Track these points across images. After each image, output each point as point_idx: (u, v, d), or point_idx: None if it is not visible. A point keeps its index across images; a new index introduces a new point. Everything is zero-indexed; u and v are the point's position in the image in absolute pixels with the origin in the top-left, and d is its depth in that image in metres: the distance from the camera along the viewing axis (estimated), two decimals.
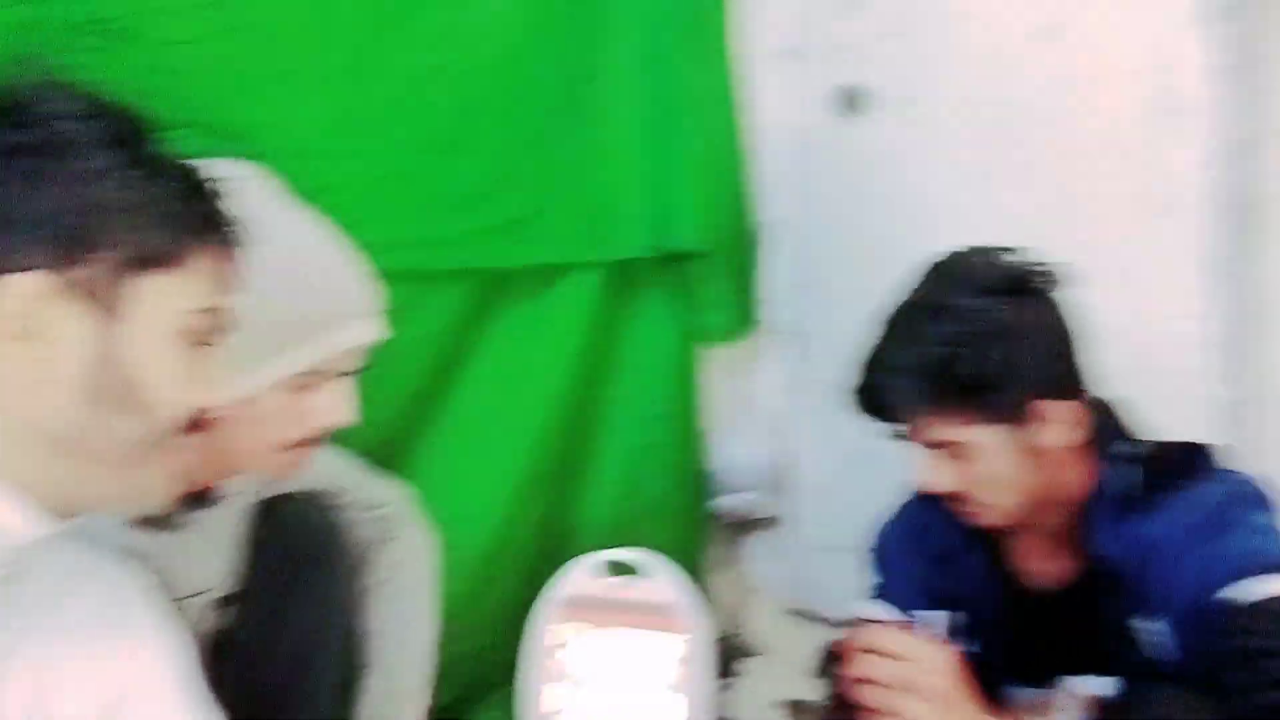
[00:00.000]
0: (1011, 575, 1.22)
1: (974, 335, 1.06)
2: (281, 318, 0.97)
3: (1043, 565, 1.20)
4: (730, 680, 2.00)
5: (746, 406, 2.10)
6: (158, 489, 0.74)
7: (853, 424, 1.96)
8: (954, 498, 1.14)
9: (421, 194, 1.57)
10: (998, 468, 1.10)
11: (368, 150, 1.52)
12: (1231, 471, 1.12)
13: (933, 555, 1.28)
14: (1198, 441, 1.18)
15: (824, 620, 2.03)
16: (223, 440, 1.01)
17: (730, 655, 2.08)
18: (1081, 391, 1.12)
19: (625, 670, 1.65)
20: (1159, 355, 1.71)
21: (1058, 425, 1.09)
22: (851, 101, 1.94)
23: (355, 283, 1.05)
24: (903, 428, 1.15)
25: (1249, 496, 1.07)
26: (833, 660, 0.93)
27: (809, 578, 2.06)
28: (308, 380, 1.00)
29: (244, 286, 0.79)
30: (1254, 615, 0.98)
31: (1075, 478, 1.13)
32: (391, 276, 1.50)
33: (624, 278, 1.88)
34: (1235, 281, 1.69)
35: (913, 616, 1.24)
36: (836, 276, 2.00)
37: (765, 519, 2.12)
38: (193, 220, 0.74)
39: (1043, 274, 1.12)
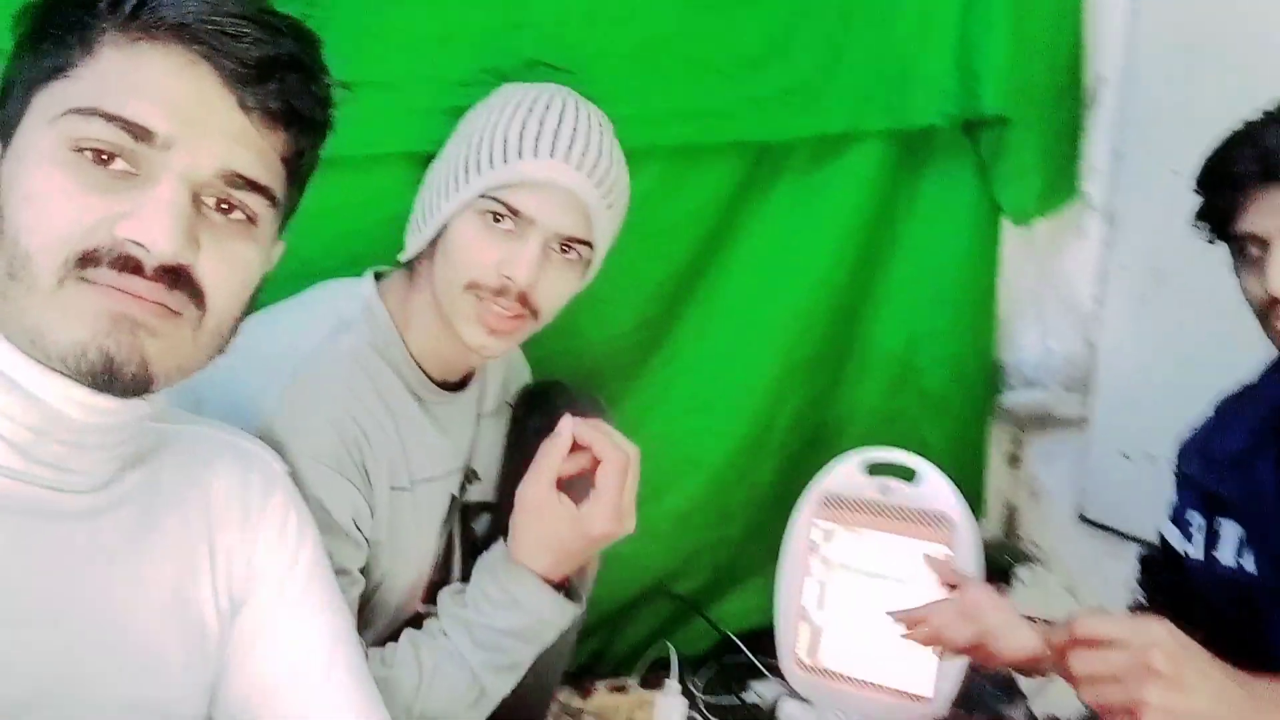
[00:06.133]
0: None
1: None
2: (462, 152, 1.04)
3: None
4: (1002, 587, 1.87)
5: (1051, 292, 1.87)
6: (81, 334, 0.61)
7: (1166, 317, 1.71)
8: None
9: (693, 60, 1.42)
10: None
11: (633, 13, 1.39)
12: None
13: (1223, 458, 1.14)
14: None
15: (1116, 532, 1.84)
16: (429, 282, 1.07)
17: (1004, 561, 1.94)
18: None
19: (884, 575, 1.57)
20: None
21: None
22: None
23: (548, 126, 1.04)
24: (1252, 226, 1.00)
25: None
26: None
27: (1105, 485, 1.86)
28: (494, 210, 1.03)
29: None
30: None
31: None
32: (660, 152, 1.44)
33: (916, 146, 1.68)
34: None
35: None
36: (1162, 148, 1.67)
37: (1061, 418, 1.91)
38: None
39: None
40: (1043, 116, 1.68)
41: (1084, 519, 1.90)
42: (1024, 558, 1.97)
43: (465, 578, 1.20)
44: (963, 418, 1.82)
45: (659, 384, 1.59)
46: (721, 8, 1.45)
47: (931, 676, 1.49)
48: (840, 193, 1.63)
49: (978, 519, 1.93)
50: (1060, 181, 1.76)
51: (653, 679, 1.59)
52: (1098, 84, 1.76)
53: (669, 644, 1.52)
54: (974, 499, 1.90)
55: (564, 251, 1.06)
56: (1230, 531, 1.12)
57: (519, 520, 1.05)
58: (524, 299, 1.04)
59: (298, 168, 0.72)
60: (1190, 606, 1.10)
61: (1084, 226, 1.83)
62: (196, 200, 0.65)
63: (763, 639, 1.66)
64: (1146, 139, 1.72)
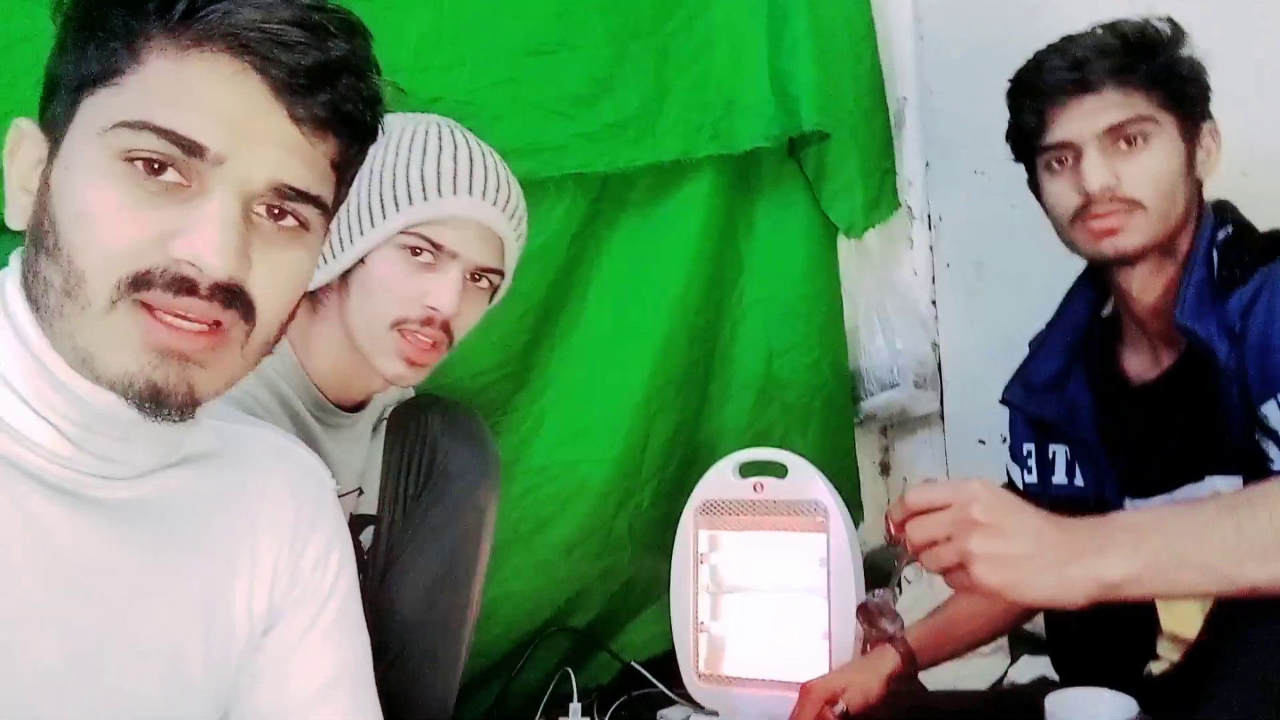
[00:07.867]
0: (1115, 381, 1.16)
1: (1158, 32, 1.08)
2: (374, 189, 1.05)
3: (1142, 366, 1.14)
4: (894, 590, 1.92)
5: (892, 298, 1.99)
6: (129, 364, 0.61)
7: (993, 303, 1.84)
8: (1105, 210, 1.07)
9: (524, 101, 1.52)
10: (1170, 164, 1.06)
11: (471, 60, 1.48)
12: None
13: (1040, 384, 1.23)
14: None
15: None
16: (343, 315, 1.08)
17: (889, 564, 2.00)
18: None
19: (771, 573, 1.61)
20: None
21: (1215, 152, 1.09)
22: None
23: (462, 164, 1.08)
24: (1064, 135, 1.08)
25: None
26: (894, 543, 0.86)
27: (966, 472, 1.93)
28: (414, 245, 1.05)
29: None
30: None
31: (1189, 235, 1.09)
32: None
33: (747, 171, 1.80)
34: None
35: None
36: (964, 153, 1.84)
37: (918, 416, 2.01)
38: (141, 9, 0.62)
39: None
40: (856, 134, 1.83)
41: None
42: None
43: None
44: (828, 426, 1.89)
45: (532, 417, 1.62)
46: (545, 53, 1.55)
47: (826, 664, 1.52)
48: (682, 220, 1.72)
49: (856, 525, 2.00)
50: (881, 194, 1.91)
51: (558, 715, 1.57)
52: (901, 104, 1.93)
53: (570, 671, 1.51)
54: (851, 506, 1.97)
55: (475, 280, 1.10)
56: (1060, 454, 1.20)
57: None
58: (445, 327, 1.08)
59: (347, 169, 0.70)
60: None
61: (911, 234, 1.98)
62: (247, 211, 0.64)
63: (669, 664, 1.67)
64: (949, 147, 1.89)
